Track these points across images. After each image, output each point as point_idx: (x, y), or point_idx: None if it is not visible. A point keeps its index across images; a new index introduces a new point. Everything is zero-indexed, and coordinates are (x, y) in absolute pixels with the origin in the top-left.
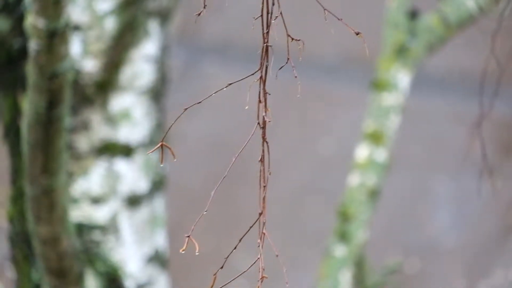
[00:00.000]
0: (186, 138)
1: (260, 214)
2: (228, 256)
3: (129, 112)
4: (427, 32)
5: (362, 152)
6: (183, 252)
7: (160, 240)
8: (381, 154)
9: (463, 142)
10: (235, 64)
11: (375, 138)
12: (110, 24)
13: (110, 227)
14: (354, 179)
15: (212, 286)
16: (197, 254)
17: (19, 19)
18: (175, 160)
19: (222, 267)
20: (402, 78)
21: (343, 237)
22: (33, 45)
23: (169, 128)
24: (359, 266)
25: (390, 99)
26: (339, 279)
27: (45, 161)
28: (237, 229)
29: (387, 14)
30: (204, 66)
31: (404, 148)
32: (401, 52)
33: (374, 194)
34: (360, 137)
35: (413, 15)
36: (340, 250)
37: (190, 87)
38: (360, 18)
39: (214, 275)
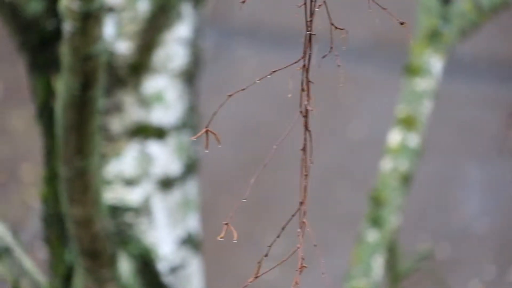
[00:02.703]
0: (218, 120)
1: (301, 203)
2: (271, 245)
3: (162, 95)
4: (460, 17)
5: (395, 137)
6: (221, 239)
7: (193, 223)
8: (413, 139)
9: (495, 128)
10: (265, 47)
11: (408, 123)
12: (144, 6)
13: (143, 210)
14: (387, 164)
15: (256, 274)
16: (234, 241)
17: (53, 1)
18: (219, 146)
19: (266, 255)
20: (435, 63)
21: (376, 222)
22: (67, 26)
23: (214, 114)
24: (391, 252)
25: (422, 84)
26: (372, 264)
27: (78, 143)
28: (267, 212)
29: None
30: (235, 49)
31: (436, 133)
32: (433, 37)
33: (406, 179)
34: (393, 122)
35: (446, 0)
36: (372, 235)
37: (221, 69)
38: (392, 1)
39: (258, 262)
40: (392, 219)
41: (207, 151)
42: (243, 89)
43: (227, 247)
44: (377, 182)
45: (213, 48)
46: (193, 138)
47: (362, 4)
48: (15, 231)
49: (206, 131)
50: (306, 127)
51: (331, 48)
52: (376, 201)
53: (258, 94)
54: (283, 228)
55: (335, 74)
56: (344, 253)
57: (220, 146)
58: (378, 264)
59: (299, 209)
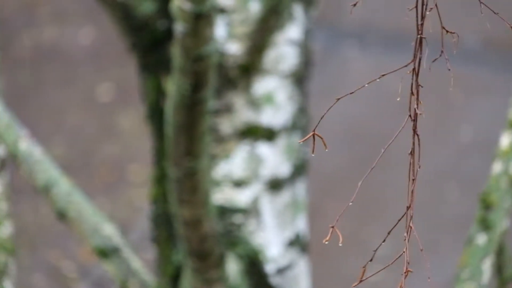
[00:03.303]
0: (326, 122)
1: (408, 207)
2: (376, 250)
3: (272, 96)
4: None
5: (506, 140)
6: (326, 242)
7: (301, 224)
8: None
9: None
10: (374, 49)
11: None
12: (255, 8)
13: (252, 211)
14: (497, 167)
15: (361, 277)
16: (340, 245)
17: (165, 2)
18: (326, 150)
19: (371, 260)
20: None
21: (485, 225)
22: (179, 27)
23: (322, 118)
24: (499, 255)
25: None
26: (481, 267)
27: (188, 144)
28: (373, 213)
29: None
30: (343, 50)
31: None
32: None
33: None
34: (504, 124)
35: None
36: (481, 238)
37: (330, 71)
38: (503, 5)
39: (363, 267)
40: (502, 222)
41: (313, 155)
42: (352, 93)
43: (334, 248)
44: (488, 185)
45: (323, 50)
46: (300, 141)
47: (474, 8)
48: (123, 231)
49: (313, 135)
50: (415, 131)
51: (442, 51)
52: (486, 204)
53: (367, 96)
54: (388, 233)
55: (445, 77)
56: (452, 254)
57: (327, 150)
58: (487, 268)
59: (405, 213)
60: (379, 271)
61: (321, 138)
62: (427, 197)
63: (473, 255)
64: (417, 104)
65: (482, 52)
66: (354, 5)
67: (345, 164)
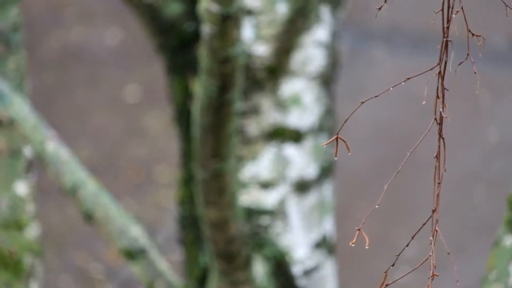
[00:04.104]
0: (353, 123)
1: (434, 211)
2: (399, 254)
3: (299, 97)
4: None
5: None
6: (352, 245)
7: (327, 226)
8: None
9: None
10: (401, 50)
11: None
12: (282, 10)
13: (278, 212)
14: None
15: (383, 283)
16: (366, 247)
17: (192, 3)
18: (349, 154)
19: (393, 265)
20: None
21: None
22: (206, 29)
23: (346, 120)
24: None
25: None
26: (509, 269)
27: (215, 145)
28: (402, 215)
29: None
30: (370, 52)
31: None
32: None
33: None
34: None
35: None
36: (509, 240)
37: (357, 72)
38: None
39: (385, 272)
40: None
41: (336, 158)
42: (376, 96)
43: (362, 250)
44: None
45: (350, 51)
46: (324, 144)
47: (500, 8)
48: (150, 232)
49: (337, 138)
50: (440, 135)
51: (468, 54)
52: None
53: (394, 98)
54: (412, 237)
55: (472, 78)
56: (480, 257)
57: (349, 154)
58: None
59: (431, 216)
60: (405, 275)
61: (344, 141)
62: (454, 199)
63: (500, 256)
64: (443, 108)
65: (509, 53)
66: (379, 8)
67: (373, 165)
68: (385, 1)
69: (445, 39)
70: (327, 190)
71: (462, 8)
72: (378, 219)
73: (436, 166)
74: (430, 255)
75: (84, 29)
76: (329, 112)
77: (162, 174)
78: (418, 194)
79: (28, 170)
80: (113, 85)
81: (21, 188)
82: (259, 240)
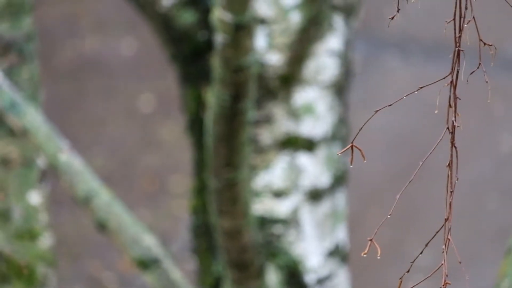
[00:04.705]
0: (366, 132)
1: (446, 220)
2: (413, 262)
3: (312, 106)
4: None
5: None
6: (365, 255)
7: (340, 235)
8: None
9: None
10: (415, 59)
11: None
12: (295, 18)
13: (292, 221)
14: None
15: None
16: (378, 258)
17: (205, 13)
18: (365, 161)
19: (408, 271)
20: None
21: None
22: (219, 38)
23: (360, 129)
24: None
25: None
26: None
27: (228, 154)
28: (415, 224)
29: None
30: (384, 61)
31: None
32: None
33: None
34: None
35: None
36: None
37: (370, 81)
38: None
39: (400, 279)
40: None
41: (351, 166)
42: (390, 105)
43: (374, 258)
44: None
45: (363, 60)
46: (339, 153)
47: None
48: (164, 242)
49: (351, 147)
50: (453, 143)
51: (480, 64)
52: None
53: (407, 106)
54: (426, 245)
55: (484, 87)
56: (493, 265)
57: (365, 162)
58: None
59: (443, 225)
60: (420, 282)
61: (360, 149)
62: (467, 207)
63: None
64: (455, 116)
65: None
66: (392, 17)
67: (386, 174)
68: (398, 11)
69: (457, 48)
70: (340, 199)
71: (473, 17)
72: (391, 227)
73: (448, 174)
74: (442, 264)
75: (99, 39)
76: (342, 121)
77: (176, 183)
78: (431, 203)
79: (42, 180)
80: (128, 95)
81: (34, 197)
82: (272, 249)
